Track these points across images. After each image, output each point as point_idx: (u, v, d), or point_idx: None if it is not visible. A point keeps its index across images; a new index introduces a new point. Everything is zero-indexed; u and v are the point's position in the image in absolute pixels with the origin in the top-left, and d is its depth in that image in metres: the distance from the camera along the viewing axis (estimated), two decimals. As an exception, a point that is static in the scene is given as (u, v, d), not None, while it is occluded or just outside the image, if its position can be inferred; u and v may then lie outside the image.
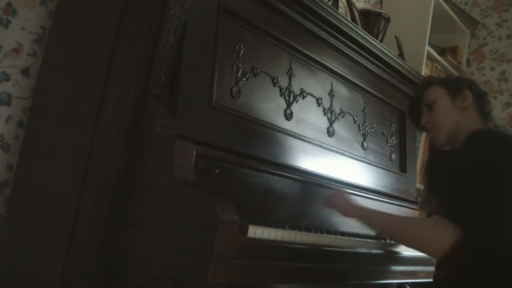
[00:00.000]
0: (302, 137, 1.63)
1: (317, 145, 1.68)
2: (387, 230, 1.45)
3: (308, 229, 1.43)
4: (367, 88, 1.99)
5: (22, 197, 1.43)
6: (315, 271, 1.27)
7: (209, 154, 1.27)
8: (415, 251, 1.62)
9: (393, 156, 2.14)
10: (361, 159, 1.92)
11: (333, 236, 1.45)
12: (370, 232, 1.73)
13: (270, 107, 1.54)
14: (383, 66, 2.04)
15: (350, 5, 2.25)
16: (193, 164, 1.16)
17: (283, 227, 1.28)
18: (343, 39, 1.81)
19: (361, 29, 1.87)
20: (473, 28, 3.73)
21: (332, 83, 1.82)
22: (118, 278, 1.16)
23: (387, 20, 2.40)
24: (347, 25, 1.78)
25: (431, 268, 1.74)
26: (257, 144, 1.45)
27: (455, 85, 1.56)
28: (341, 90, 1.87)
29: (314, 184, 1.62)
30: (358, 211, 1.47)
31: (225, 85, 1.40)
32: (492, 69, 3.67)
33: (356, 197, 1.82)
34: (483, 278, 1.27)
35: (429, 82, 1.63)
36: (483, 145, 1.31)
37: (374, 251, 1.54)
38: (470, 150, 1.32)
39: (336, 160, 1.77)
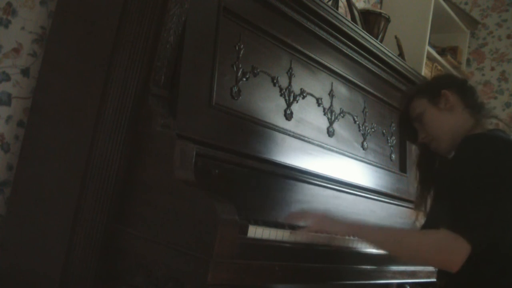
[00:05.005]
0: (302, 137, 1.63)
1: (317, 145, 1.68)
2: (389, 245, 1.32)
3: (308, 229, 1.42)
4: (367, 88, 1.99)
5: (22, 197, 1.43)
6: (315, 271, 1.27)
7: (209, 154, 1.27)
8: None
9: (393, 156, 2.14)
10: (361, 159, 1.92)
11: (333, 236, 1.45)
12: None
13: (270, 107, 1.54)
14: (383, 66, 2.04)
15: (350, 5, 2.25)
16: (193, 164, 1.16)
17: (283, 227, 1.28)
18: (343, 39, 1.81)
19: (361, 29, 1.87)
20: (473, 28, 3.73)
21: (332, 83, 1.82)
22: (118, 278, 1.16)
23: (387, 20, 2.40)
24: (347, 25, 1.78)
25: (431, 268, 1.74)
26: (257, 144, 1.45)
27: (432, 90, 1.52)
28: (341, 90, 1.87)
29: (314, 184, 1.62)
30: (351, 226, 1.37)
31: (225, 85, 1.40)
32: (492, 69, 3.67)
33: (356, 197, 1.82)
34: (486, 280, 1.27)
35: (410, 96, 1.59)
36: (477, 151, 1.29)
37: (374, 251, 1.54)
38: (465, 159, 1.30)
39: (336, 160, 1.77)
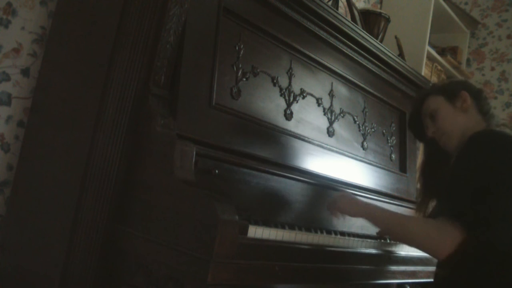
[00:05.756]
0: (302, 137, 1.63)
1: (317, 145, 1.68)
2: (392, 228, 1.41)
3: (308, 229, 1.43)
4: (367, 88, 1.99)
5: (22, 197, 1.43)
6: (315, 271, 1.27)
7: (209, 154, 1.27)
8: (415, 250, 1.61)
9: (393, 156, 2.14)
10: (361, 159, 1.92)
11: (333, 236, 1.45)
12: (370, 232, 1.73)
13: (270, 107, 1.54)
14: (383, 66, 2.04)
15: (350, 5, 2.25)
16: (193, 164, 1.16)
17: (283, 227, 1.28)
18: (343, 39, 1.81)
19: (361, 29, 1.87)
20: (473, 28, 3.73)
21: (332, 83, 1.82)
22: (118, 278, 1.16)
23: (387, 20, 2.40)
24: (347, 25, 1.78)
25: (431, 268, 1.74)
26: (257, 144, 1.45)
27: (450, 90, 1.57)
28: (341, 90, 1.87)
29: (314, 184, 1.62)
30: (364, 209, 1.44)
31: (225, 85, 1.40)
32: (492, 69, 3.67)
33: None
34: (483, 278, 1.27)
35: (425, 93, 1.64)
36: (485, 146, 1.31)
37: (374, 251, 1.54)
38: (472, 152, 1.32)
39: (336, 160, 1.77)
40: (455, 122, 1.53)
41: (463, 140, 1.46)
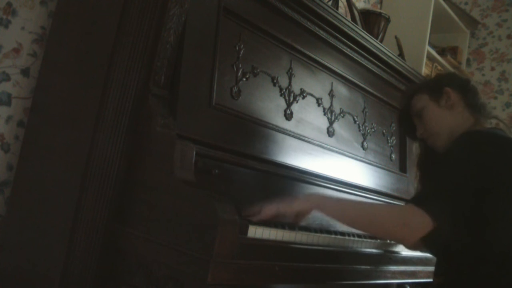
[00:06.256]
0: (302, 137, 1.63)
1: (317, 145, 1.68)
2: (355, 217, 1.31)
3: (308, 229, 1.43)
4: (367, 88, 1.99)
5: (22, 197, 1.43)
6: (315, 271, 1.27)
7: (209, 154, 1.27)
8: (416, 250, 1.62)
9: (393, 156, 2.14)
10: (361, 159, 1.92)
11: (333, 236, 1.45)
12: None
13: (270, 107, 1.54)
14: (383, 66, 2.04)
15: (350, 5, 2.25)
16: (193, 164, 1.16)
17: (283, 227, 1.28)
18: (343, 39, 1.81)
19: (361, 29, 1.87)
20: (473, 28, 3.73)
21: (332, 83, 1.82)
22: (118, 278, 1.16)
23: (387, 20, 2.40)
24: (347, 25, 1.78)
25: (431, 268, 1.74)
26: (257, 144, 1.45)
27: (434, 87, 1.53)
28: (341, 90, 1.87)
29: (313, 184, 1.62)
30: (316, 202, 1.32)
31: (225, 85, 1.40)
32: (492, 69, 3.67)
33: (356, 197, 1.82)
34: (483, 278, 1.27)
35: (411, 92, 1.61)
36: (470, 145, 1.29)
37: (374, 251, 1.55)
38: (456, 150, 1.31)
39: (336, 160, 1.77)
40: (441, 122, 1.49)
41: (452, 138, 1.45)
